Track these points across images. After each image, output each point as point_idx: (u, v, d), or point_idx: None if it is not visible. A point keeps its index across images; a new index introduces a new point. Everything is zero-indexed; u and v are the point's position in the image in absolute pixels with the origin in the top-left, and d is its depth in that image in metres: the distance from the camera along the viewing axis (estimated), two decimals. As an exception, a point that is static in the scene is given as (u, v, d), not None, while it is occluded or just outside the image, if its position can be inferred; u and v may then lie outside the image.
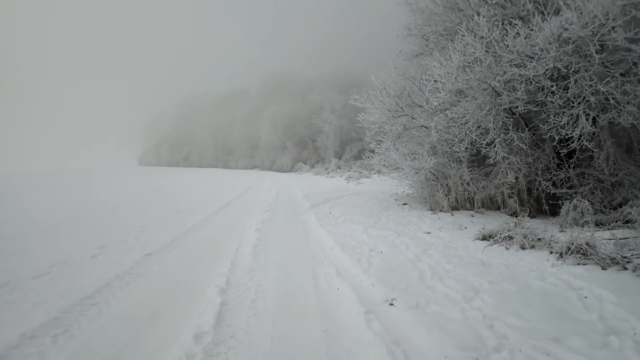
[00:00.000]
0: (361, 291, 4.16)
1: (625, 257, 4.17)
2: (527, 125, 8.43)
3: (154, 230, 7.83)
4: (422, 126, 9.82)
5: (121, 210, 11.05)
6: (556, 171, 8.14)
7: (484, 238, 5.93)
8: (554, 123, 7.04)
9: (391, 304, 3.70)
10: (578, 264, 4.25)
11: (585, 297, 3.45)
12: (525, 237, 5.26)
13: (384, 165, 11.82)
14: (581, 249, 4.37)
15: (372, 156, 12.39)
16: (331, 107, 39.73)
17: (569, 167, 7.94)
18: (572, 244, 4.42)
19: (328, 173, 29.40)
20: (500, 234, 5.67)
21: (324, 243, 6.60)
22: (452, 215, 8.66)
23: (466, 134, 8.48)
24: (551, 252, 4.77)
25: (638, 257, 4.16)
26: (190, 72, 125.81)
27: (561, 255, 4.49)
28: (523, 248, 5.19)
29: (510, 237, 5.45)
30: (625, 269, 3.98)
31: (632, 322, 2.98)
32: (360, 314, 3.55)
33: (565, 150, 7.40)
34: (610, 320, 3.06)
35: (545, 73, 6.98)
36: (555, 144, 8.30)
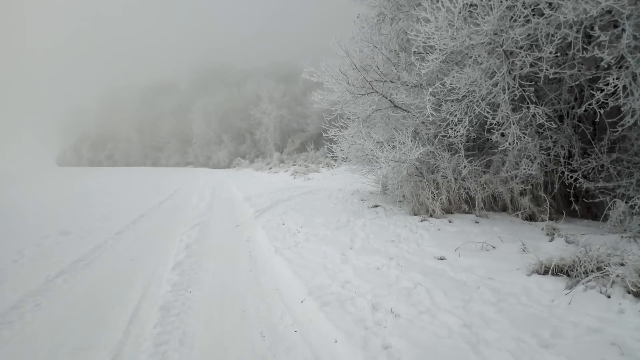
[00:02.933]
0: None
1: None
2: (538, 99, 6.38)
3: (-4, 278, 4.74)
4: (395, 106, 7.56)
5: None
6: (583, 158, 6.19)
7: (545, 271, 3.69)
8: (601, 89, 4.97)
9: None
10: None
11: None
12: (641, 275, 3.05)
13: (343, 158, 9.48)
14: None
15: (329, 146, 9.98)
16: (269, 97, 36.80)
17: (600, 152, 6.01)
18: None
19: (270, 168, 26.67)
20: (582, 266, 3.44)
21: (287, 289, 4.02)
22: (450, 222, 6.45)
23: (466, 111, 6.30)
24: None
25: None
26: (110, 64, 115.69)
27: None
28: (638, 294, 3.00)
29: (606, 274, 3.23)
30: None
31: None
32: None
33: (618, 131, 5.34)
34: None
35: (594, 17, 4.90)
36: (576, 121, 6.38)
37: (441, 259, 4.56)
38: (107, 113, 71.69)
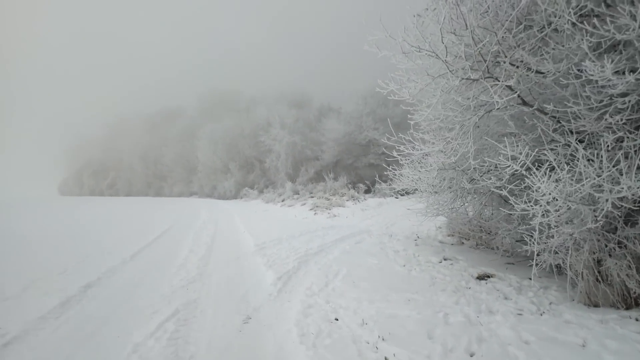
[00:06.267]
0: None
1: None
2: None
3: None
4: (540, 111, 4.09)
5: None
6: None
7: None
8: None
9: None
10: None
11: None
12: None
13: (427, 189, 6.05)
14: None
15: (392, 170, 6.52)
16: (281, 122, 33.58)
17: None
18: None
19: (283, 200, 23.05)
20: None
21: None
22: None
23: None
24: None
25: None
26: (118, 89, 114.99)
27: None
28: None
29: None
30: None
31: None
32: None
33: None
34: None
35: None
36: None
37: None
38: (111, 140, 68.97)
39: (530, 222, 3.85)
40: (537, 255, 4.02)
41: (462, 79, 4.25)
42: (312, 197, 21.18)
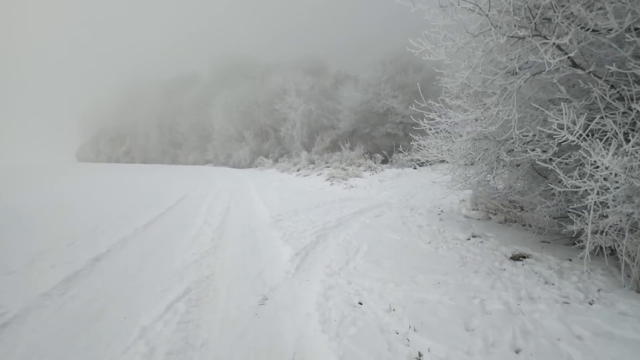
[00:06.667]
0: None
1: None
2: None
3: None
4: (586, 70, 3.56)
5: None
6: None
7: None
8: None
9: None
10: None
11: None
12: None
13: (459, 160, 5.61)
14: None
15: (416, 140, 6.07)
16: (296, 90, 32.78)
17: None
18: None
19: (298, 170, 22.70)
20: None
21: None
22: None
23: None
24: None
25: None
26: (134, 56, 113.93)
27: None
28: None
29: None
30: None
31: None
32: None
33: None
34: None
35: None
36: None
37: None
38: (127, 107, 68.77)
39: (576, 199, 3.41)
40: (586, 236, 3.57)
41: (508, 36, 3.71)
42: (328, 167, 20.76)
